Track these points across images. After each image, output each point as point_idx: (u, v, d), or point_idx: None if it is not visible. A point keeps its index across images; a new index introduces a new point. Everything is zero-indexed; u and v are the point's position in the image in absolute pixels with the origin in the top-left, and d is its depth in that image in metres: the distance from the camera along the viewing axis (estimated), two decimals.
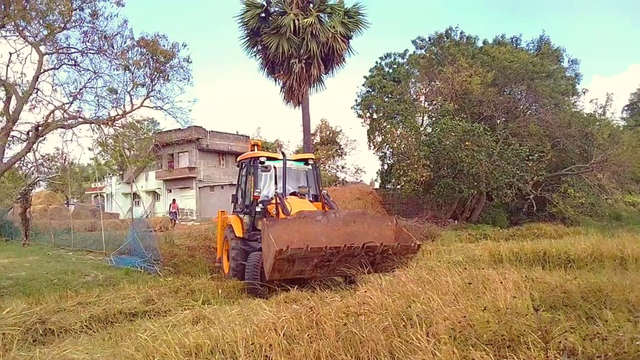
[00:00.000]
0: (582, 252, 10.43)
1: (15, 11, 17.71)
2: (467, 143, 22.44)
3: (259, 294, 8.61)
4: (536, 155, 24.53)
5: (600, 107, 28.29)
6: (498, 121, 29.49)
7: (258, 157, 10.80)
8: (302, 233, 7.76)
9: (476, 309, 4.84)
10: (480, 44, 33.61)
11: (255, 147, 12.32)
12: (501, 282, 5.68)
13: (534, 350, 3.71)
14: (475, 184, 23.69)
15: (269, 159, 10.74)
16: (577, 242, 12.07)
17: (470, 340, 3.95)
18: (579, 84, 34.48)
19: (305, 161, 11.36)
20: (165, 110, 22.82)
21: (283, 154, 10.50)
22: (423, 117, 31.42)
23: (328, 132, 42.57)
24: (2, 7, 18.03)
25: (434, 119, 29.48)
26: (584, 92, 33.79)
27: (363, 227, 8.21)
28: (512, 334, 3.98)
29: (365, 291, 5.65)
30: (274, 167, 10.75)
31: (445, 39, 33.02)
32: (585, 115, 28.69)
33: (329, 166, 41.45)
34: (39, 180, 22.71)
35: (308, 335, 4.15)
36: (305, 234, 7.79)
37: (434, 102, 30.82)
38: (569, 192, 25.07)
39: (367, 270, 7.34)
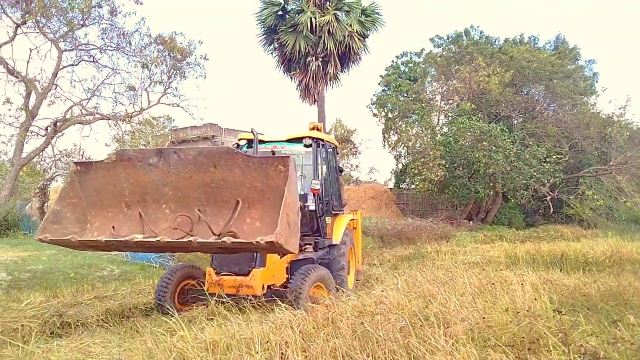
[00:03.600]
0: (600, 254, 10.28)
1: (37, 8, 17.97)
2: (484, 143, 22.21)
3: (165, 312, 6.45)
4: (554, 156, 24.21)
5: (620, 108, 27.84)
6: (515, 121, 29.17)
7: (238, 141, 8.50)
8: (132, 184, 5.38)
9: (494, 310, 4.79)
10: (500, 43, 33.23)
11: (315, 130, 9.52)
12: (521, 284, 5.59)
13: (554, 353, 3.65)
14: (491, 184, 23.46)
15: (251, 141, 7.87)
16: (595, 244, 11.91)
17: (489, 341, 3.90)
18: (597, 82, 33.91)
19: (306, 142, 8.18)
20: (181, 107, 23.07)
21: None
22: (439, 116, 31.19)
23: (343, 131, 42.48)
24: (24, 4, 18.30)
25: (450, 118, 29.26)
26: (604, 90, 33.17)
27: (233, 174, 5.05)
28: (531, 336, 3.92)
29: (382, 291, 5.61)
30: (273, 152, 8.11)
31: (464, 38, 32.72)
32: (604, 117, 28.26)
33: (342, 165, 41.36)
34: (57, 176, 23.01)
35: (324, 333, 4.13)
36: (138, 184, 5.38)
37: (450, 102, 30.60)
38: (587, 194, 24.71)
39: None
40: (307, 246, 7.68)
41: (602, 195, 25.42)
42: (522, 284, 5.73)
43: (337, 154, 9.58)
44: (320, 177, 7.90)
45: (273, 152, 8.07)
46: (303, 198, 7.55)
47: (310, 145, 8.03)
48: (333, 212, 8.62)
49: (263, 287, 6.37)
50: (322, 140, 8.38)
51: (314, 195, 7.75)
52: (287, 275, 7.00)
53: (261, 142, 8.10)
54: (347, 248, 8.71)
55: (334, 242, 8.20)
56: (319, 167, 8.08)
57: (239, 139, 8.39)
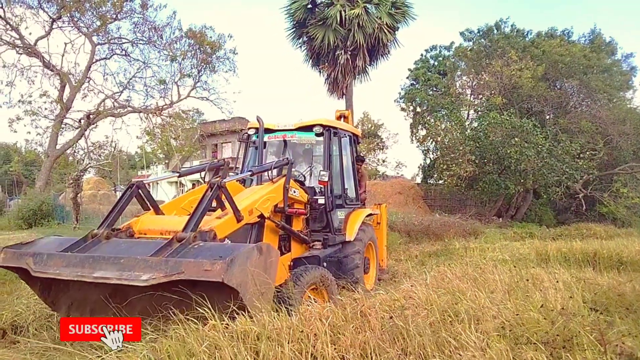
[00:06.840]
0: (636, 254, 9.98)
1: (71, 3, 18.37)
2: (515, 139, 21.79)
3: None
4: (587, 152, 23.64)
5: None
6: (548, 117, 28.59)
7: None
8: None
9: (526, 307, 4.72)
10: (532, 36, 32.55)
11: (342, 119, 9.30)
12: (557, 282, 5.49)
13: (589, 352, 3.58)
14: (522, 180, 23.03)
15: (263, 130, 7.54)
16: (630, 243, 11.57)
17: (521, 339, 3.84)
18: (635, 75, 32.89)
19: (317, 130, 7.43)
20: (210, 100, 23.35)
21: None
22: (469, 111, 30.79)
23: (370, 125, 42.34)
24: None
25: (480, 113, 28.84)
26: None
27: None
28: (565, 334, 3.85)
29: (411, 286, 5.58)
30: (284, 142, 7.90)
31: (495, 31, 32.14)
32: None
33: (370, 160, 41.24)
34: (89, 167, 23.57)
35: (353, 326, 4.13)
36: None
37: (481, 96, 30.14)
38: (622, 191, 24.05)
39: None
40: (316, 243, 6.98)
41: (638, 193, 24.74)
42: (557, 282, 5.62)
43: (358, 143, 9.06)
44: (330, 168, 7.29)
45: (285, 142, 7.87)
46: (311, 191, 7.17)
47: (321, 134, 7.37)
48: (348, 206, 8.02)
49: None
50: (336, 128, 7.69)
51: (322, 187, 7.18)
52: (289, 274, 5.86)
53: (270, 130, 7.78)
54: (363, 245, 7.98)
55: (347, 239, 7.52)
56: (331, 157, 7.43)
57: (248, 128, 7.93)
